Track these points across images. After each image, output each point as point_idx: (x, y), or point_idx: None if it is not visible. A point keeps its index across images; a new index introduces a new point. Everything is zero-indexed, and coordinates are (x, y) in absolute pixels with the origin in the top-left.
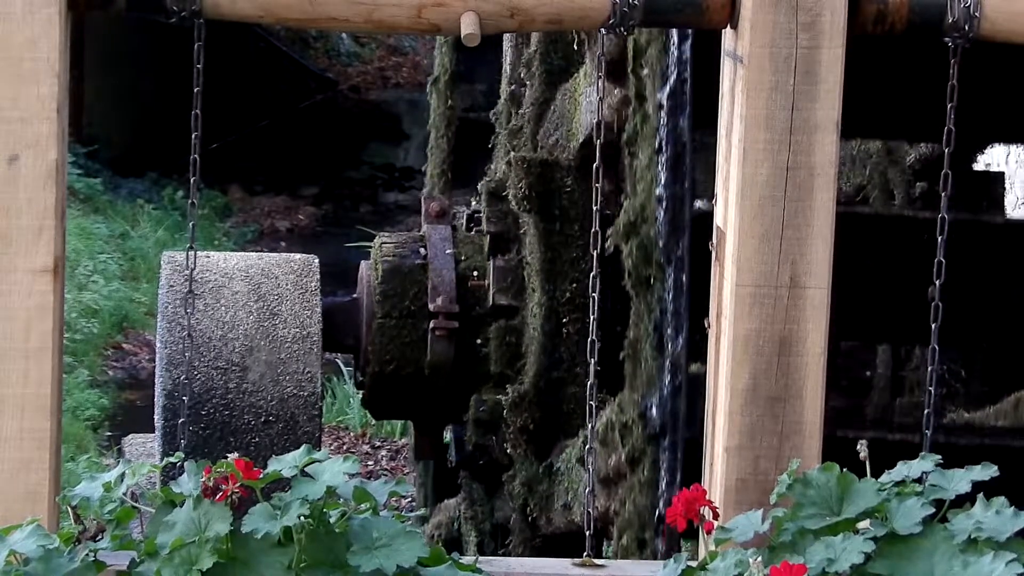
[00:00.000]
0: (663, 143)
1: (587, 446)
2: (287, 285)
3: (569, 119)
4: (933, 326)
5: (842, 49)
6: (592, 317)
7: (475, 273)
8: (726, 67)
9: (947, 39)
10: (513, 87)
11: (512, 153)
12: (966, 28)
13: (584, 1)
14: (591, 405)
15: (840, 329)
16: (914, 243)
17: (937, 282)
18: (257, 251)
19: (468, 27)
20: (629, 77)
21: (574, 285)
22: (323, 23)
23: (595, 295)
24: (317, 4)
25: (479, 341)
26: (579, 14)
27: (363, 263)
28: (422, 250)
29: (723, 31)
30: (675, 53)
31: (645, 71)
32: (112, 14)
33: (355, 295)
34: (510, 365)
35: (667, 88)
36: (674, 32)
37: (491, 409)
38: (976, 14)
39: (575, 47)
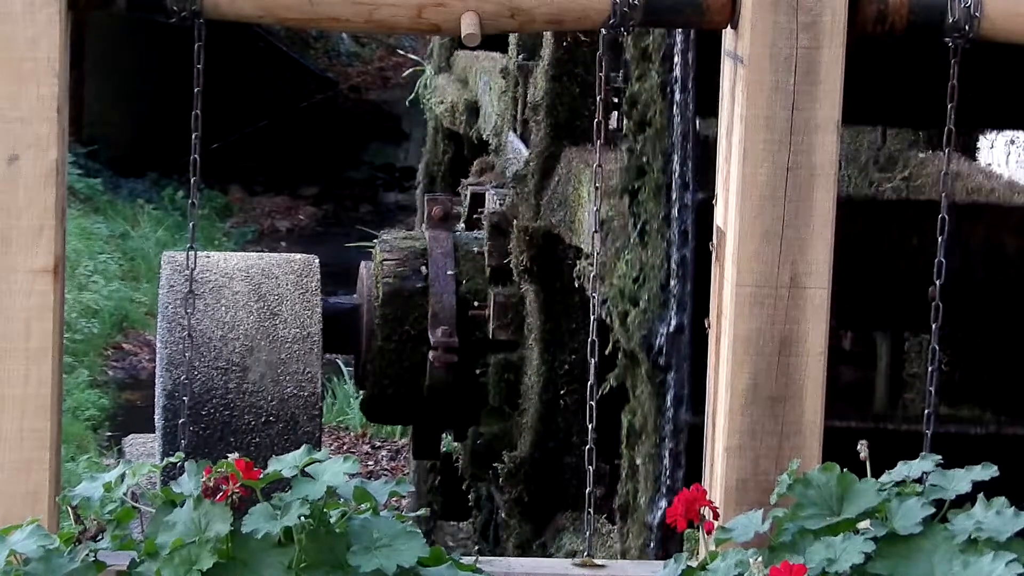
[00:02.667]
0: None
1: (587, 446)
2: (287, 285)
3: (573, 208)
4: (933, 326)
5: (842, 49)
6: (592, 318)
7: (476, 303)
8: (726, 67)
9: (947, 39)
10: (522, 56)
11: (516, 221)
12: (966, 28)
13: (584, 1)
14: (591, 405)
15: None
16: (912, 227)
17: (937, 282)
18: (257, 251)
19: (468, 27)
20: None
21: (573, 356)
22: (323, 23)
23: (595, 295)
24: (317, 4)
25: (478, 371)
26: (579, 14)
27: (363, 263)
28: (423, 269)
29: (723, 32)
30: (667, 468)
31: (637, 457)
32: (112, 14)
33: (355, 301)
34: (508, 401)
35: (656, 516)
36: (667, 429)
37: (488, 442)
38: (976, 14)
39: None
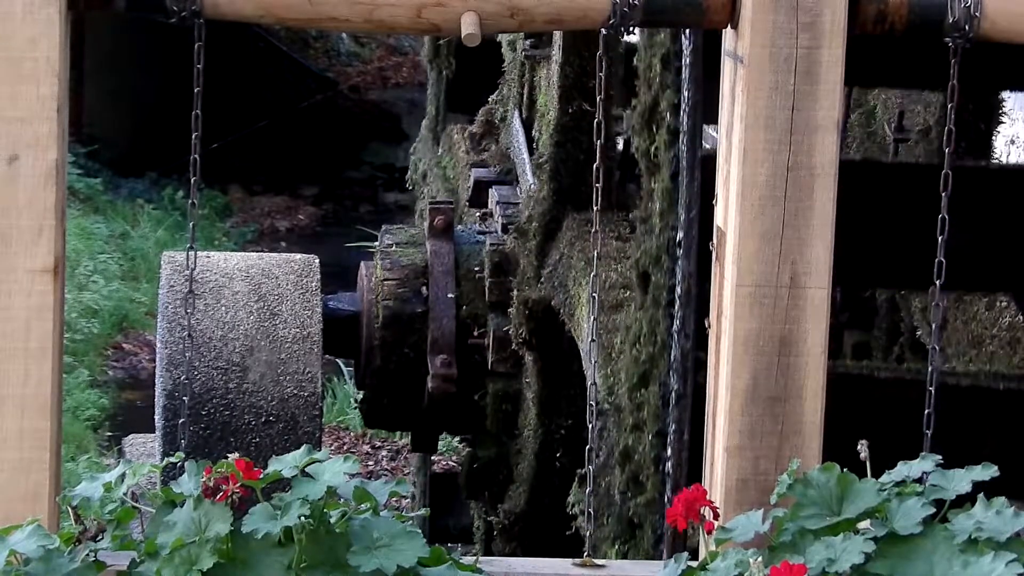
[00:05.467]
0: None
1: (587, 446)
2: (287, 285)
3: (573, 300)
4: (933, 326)
5: (842, 49)
6: (592, 317)
7: (476, 331)
8: (726, 67)
9: (947, 39)
10: (530, 42)
11: (516, 292)
12: (966, 28)
13: (584, 1)
14: (591, 405)
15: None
16: (916, 191)
17: (937, 282)
18: (257, 251)
19: (468, 27)
20: None
21: (570, 421)
22: (323, 23)
23: (595, 295)
24: (317, 4)
25: (476, 396)
26: (579, 14)
27: (363, 263)
28: (424, 290)
29: (723, 31)
30: None
31: None
32: (112, 14)
33: (354, 308)
34: (505, 429)
35: None
36: None
37: (484, 466)
38: (976, 14)
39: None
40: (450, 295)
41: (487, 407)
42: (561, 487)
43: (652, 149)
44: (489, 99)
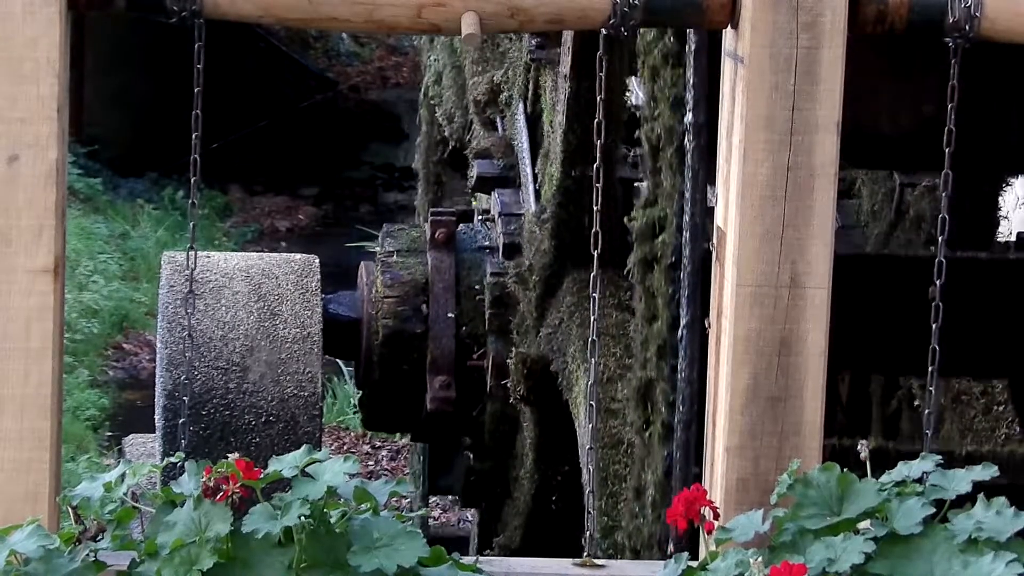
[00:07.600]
0: None
1: (588, 446)
2: (288, 285)
3: (572, 378)
4: (934, 326)
5: (842, 49)
6: (592, 318)
7: (475, 352)
8: (726, 67)
9: (947, 39)
10: (535, 41)
11: (516, 347)
12: (967, 28)
13: (584, 1)
14: (591, 405)
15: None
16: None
17: (938, 282)
18: (257, 251)
19: (468, 27)
20: None
21: (567, 468)
22: (323, 23)
23: (595, 295)
24: (317, 4)
25: (474, 412)
26: (579, 14)
27: (363, 263)
28: (424, 307)
29: (723, 31)
30: None
31: None
32: (112, 14)
33: (354, 314)
34: (503, 447)
35: None
36: None
37: (481, 478)
38: (976, 14)
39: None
40: (450, 314)
41: (485, 423)
42: (556, 528)
43: (647, 436)
44: (494, 77)
